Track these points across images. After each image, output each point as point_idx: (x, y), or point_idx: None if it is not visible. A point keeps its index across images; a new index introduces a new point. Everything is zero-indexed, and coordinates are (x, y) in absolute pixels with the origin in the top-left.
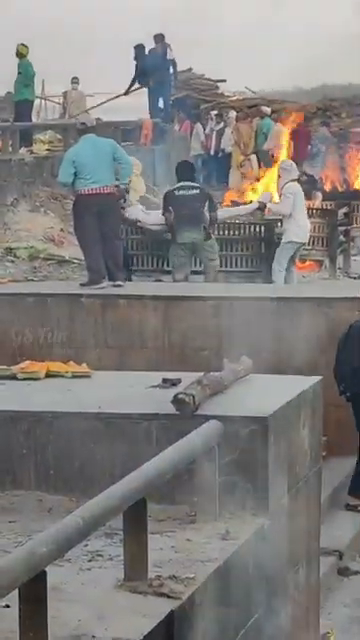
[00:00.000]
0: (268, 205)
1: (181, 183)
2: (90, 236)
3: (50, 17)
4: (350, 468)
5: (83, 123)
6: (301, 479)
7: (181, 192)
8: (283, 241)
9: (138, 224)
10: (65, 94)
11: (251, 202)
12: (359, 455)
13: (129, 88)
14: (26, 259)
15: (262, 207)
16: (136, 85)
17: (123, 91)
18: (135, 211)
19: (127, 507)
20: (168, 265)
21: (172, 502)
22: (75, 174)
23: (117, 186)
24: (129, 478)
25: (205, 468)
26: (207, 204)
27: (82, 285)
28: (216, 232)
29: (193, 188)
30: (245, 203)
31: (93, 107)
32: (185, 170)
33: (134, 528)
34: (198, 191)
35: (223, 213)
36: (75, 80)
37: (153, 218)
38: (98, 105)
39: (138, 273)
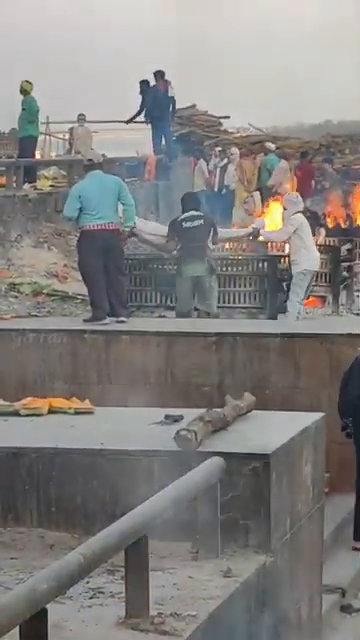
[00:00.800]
0: (261, 232)
1: (186, 214)
2: (94, 272)
3: (53, 51)
4: (352, 504)
5: (90, 159)
6: (303, 516)
7: (187, 224)
8: (296, 271)
9: (133, 230)
10: (71, 130)
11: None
12: (357, 497)
13: (132, 118)
14: (29, 295)
15: (256, 233)
16: (140, 118)
17: (126, 120)
18: None
19: (128, 544)
20: (171, 301)
21: (174, 539)
22: (80, 209)
23: (123, 230)
24: (131, 515)
25: (207, 505)
26: (211, 233)
27: (85, 321)
28: (219, 268)
29: (198, 218)
30: (249, 239)
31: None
32: (190, 201)
33: (135, 565)
34: (202, 221)
35: (220, 234)
36: (82, 117)
37: (151, 227)
38: (102, 122)
39: (143, 309)
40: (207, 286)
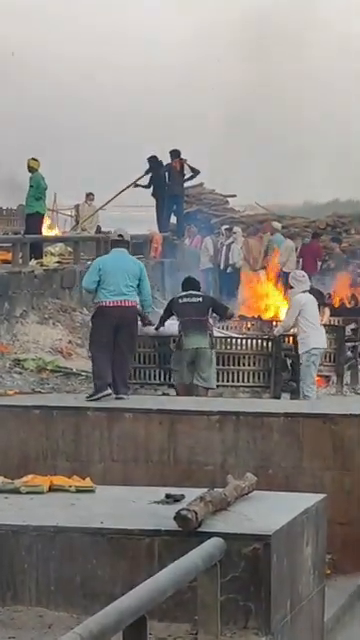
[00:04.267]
0: (275, 332)
1: (184, 292)
2: (103, 344)
3: (63, 131)
4: (356, 586)
5: (120, 235)
6: (304, 598)
7: (185, 300)
8: (303, 351)
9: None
10: (77, 207)
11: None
12: None
13: (135, 181)
14: (34, 371)
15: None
16: (143, 182)
17: (130, 185)
18: None
19: (127, 624)
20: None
21: (173, 620)
22: (99, 283)
23: (144, 314)
24: (130, 595)
25: (207, 586)
26: (211, 310)
27: (88, 398)
28: (223, 347)
29: (196, 296)
30: (254, 318)
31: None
32: (190, 283)
33: None
34: (201, 299)
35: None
36: (90, 197)
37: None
38: (108, 202)
39: (146, 387)
40: (207, 360)
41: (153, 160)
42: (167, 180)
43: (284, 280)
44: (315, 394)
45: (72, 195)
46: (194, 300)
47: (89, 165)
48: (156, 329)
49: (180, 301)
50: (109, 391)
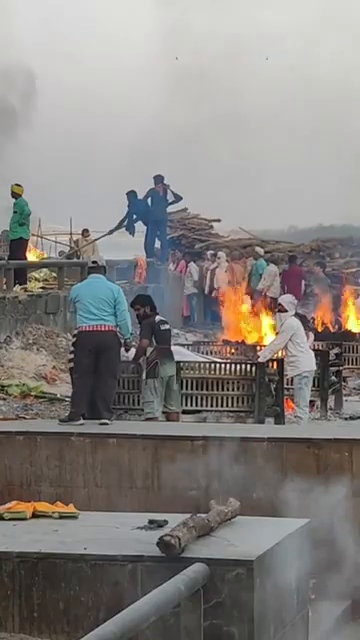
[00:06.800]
0: (261, 357)
1: (158, 317)
2: (82, 372)
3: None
4: (339, 611)
5: (94, 261)
6: (288, 623)
7: (164, 327)
8: (295, 374)
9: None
10: (77, 242)
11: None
12: None
13: (115, 229)
14: (18, 396)
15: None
16: (122, 230)
17: (108, 231)
18: None
19: None
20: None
21: None
22: (77, 309)
23: (125, 340)
24: (112, 621)
25: (190, 611)
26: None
27: (60, 422)
28: (207, 372)
29: (166, 323)
30: (237, 342)
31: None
32: (155, 304)
33: None
34: (169, 327)
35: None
36: (86, 233)
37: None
38: (90, 242)
39: (130, 412)
40: (175, 386)
41: (131, 194)
42: (150, 205)
43: (268, 305)
44: (307, 416)
45: (57, 220)
46: (167, 327)
47: (75, 189)
48: (141, 356)
49: (161, 327)
50: (81, 421)
